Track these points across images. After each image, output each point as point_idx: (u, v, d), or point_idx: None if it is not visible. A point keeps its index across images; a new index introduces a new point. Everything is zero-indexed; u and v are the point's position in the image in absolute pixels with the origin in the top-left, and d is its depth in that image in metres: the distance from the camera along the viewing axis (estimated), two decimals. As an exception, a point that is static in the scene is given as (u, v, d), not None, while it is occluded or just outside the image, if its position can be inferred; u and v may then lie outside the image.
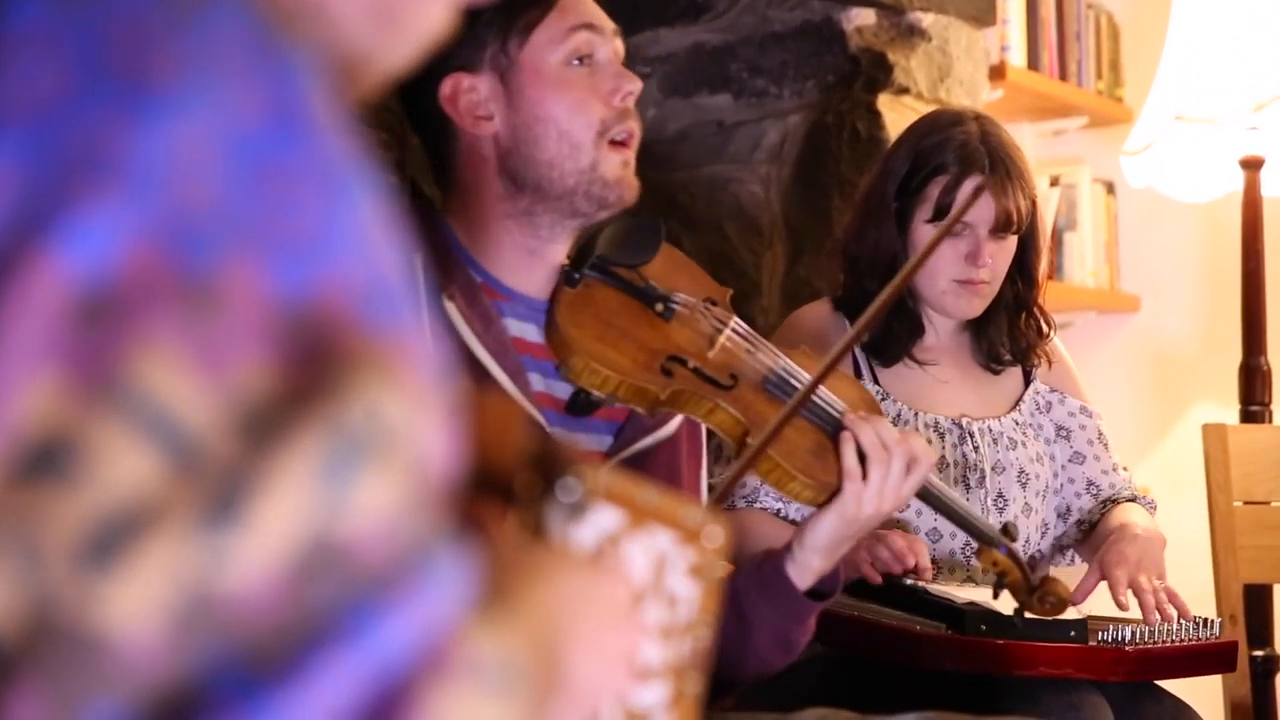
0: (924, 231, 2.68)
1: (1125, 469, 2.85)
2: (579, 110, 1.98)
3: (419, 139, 2.12)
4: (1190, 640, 2.46)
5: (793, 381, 2.02)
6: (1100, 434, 2.83)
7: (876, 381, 2.71)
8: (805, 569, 2.03)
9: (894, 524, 2.63)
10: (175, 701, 0.66)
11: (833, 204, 3.47)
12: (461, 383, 1.12)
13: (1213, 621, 2.50)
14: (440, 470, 0.76)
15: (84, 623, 0.65)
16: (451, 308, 1.92)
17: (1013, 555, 2.26)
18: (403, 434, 0.71)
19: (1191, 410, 4.02)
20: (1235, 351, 3.66)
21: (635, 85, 2.01)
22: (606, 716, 1.17)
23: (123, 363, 0.66)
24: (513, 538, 1.04)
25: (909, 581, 2.52)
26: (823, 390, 2.01)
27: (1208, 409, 3.92)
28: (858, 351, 2.72)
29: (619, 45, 2.04)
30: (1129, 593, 2.46)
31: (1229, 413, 3.69)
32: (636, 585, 1.14)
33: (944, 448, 2.69)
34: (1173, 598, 2.48)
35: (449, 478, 0.78)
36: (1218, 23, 3.64)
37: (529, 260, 2.03)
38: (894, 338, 2.73)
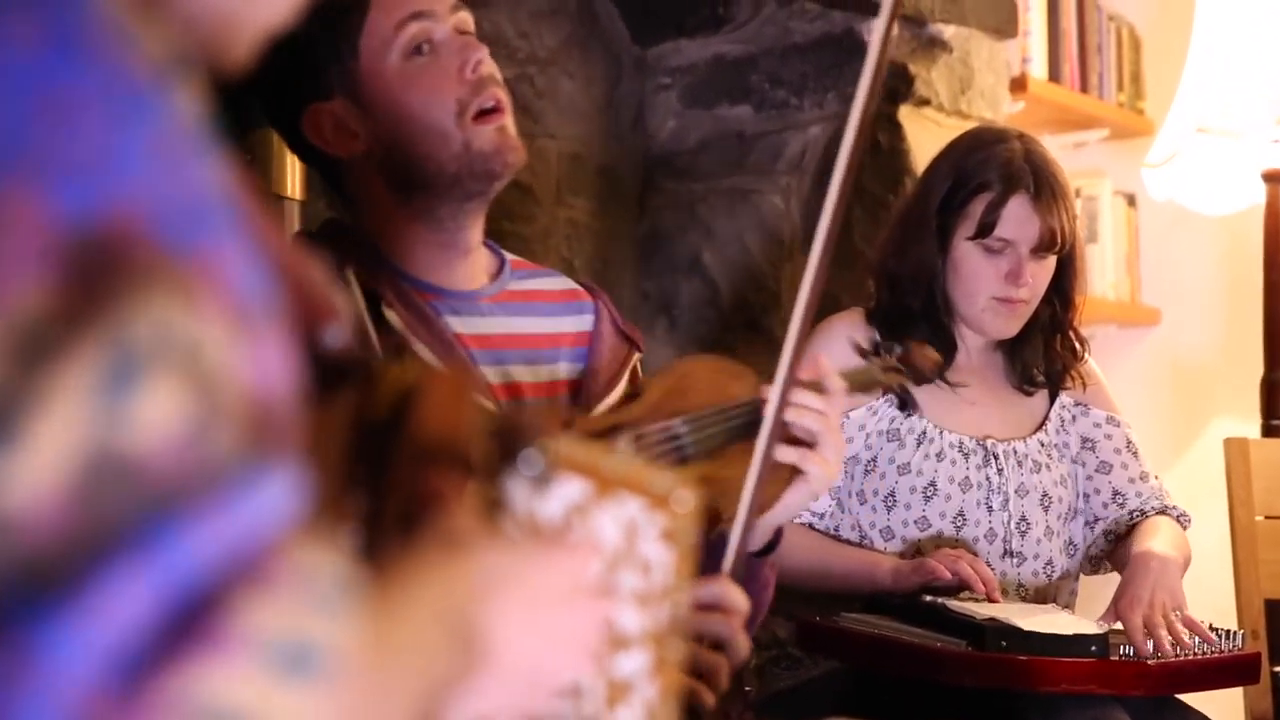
0: (965, 249, 2.68)
1: (1156, 477, 2.84)
2: (431, 99, 1.96)
3: (310, 167, 2.13)
4: (1212, 653, 2.46)
5: (683, 438, 1.94)
6: (1129, 442, 2.82)
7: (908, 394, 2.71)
8: (759, 537, 2.02)
9: (954, 544, 2.64)
10: None
11: (853, 215, 3.46)
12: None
13: (1235, 634, 2.50)
14: (263, 390, 0.76)
15: None
16: (392, 315, 1.93)
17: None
18: (197, 349, 0.71)
19: (1212, 424, 4.01)
20: (1257, 365, 3.65)
21: (481, 53, 1.98)
22: (588, 688, 1.18)
23: None
24: (465, 512, 1.04)
25: (928, 599, 2.52)
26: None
27: (1228, 423, 3.91)
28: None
29: (462, 16, 2.01)
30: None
31: (1250, 426, 3.68)
32: (607, 553, 1.15)
33: (968, 469, 2.68)
34: (1192, 627, 2.46)
35: (278, 399, 0.78)
36: (1240, 35, 3.63)
37: (446, 255, 2.03)
38: (926, 357, 2.72)
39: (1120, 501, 2.78)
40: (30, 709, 0.64)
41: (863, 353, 2.28)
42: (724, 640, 1.82)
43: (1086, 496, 2.80)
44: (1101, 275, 4.16)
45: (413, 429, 1.07)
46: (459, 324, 1.99)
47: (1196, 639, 2.44)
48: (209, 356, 0.72)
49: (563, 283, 2.18)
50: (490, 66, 1.99)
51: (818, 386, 1.93)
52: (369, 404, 1.08)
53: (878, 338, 2.72)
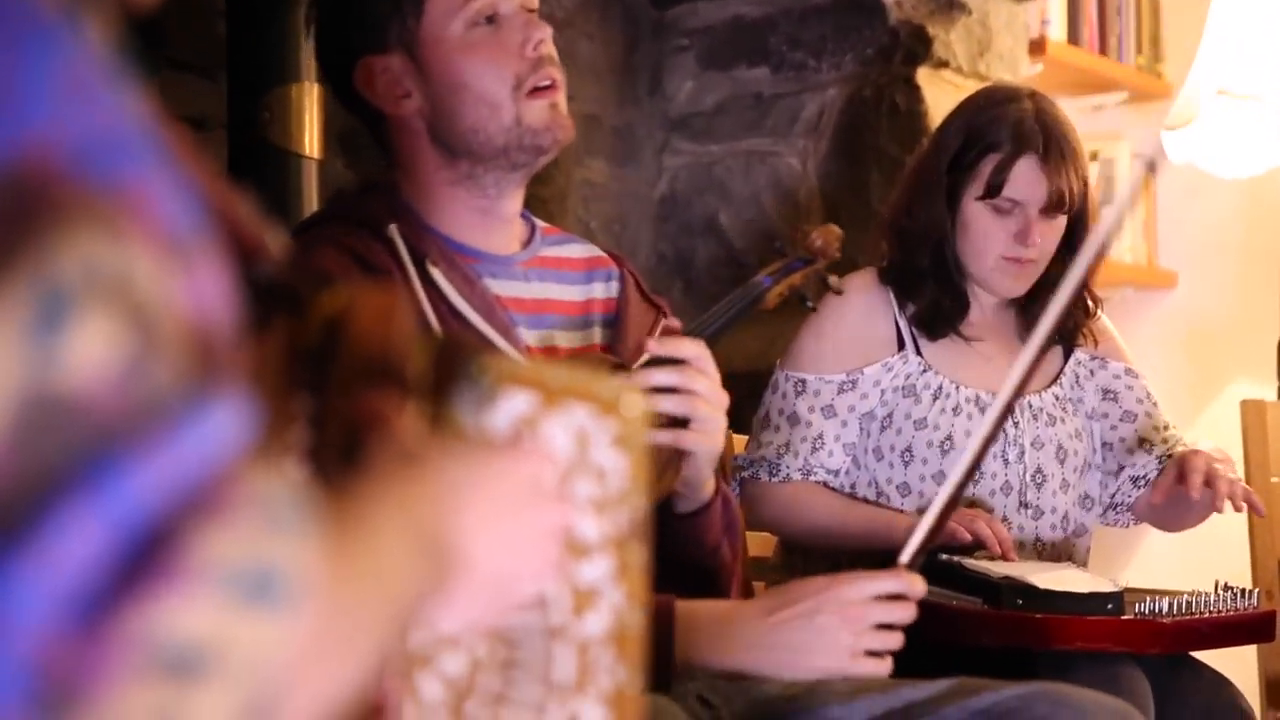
0: (974, 208, 2.68)
1: (1175, 428, 2.86)
2: (490, 70, 1.97)
3: (355, 116, 2.12)
4: (1228, 611, 2.47)
5: None
6: (1148, 394, 2.84)
7: (920, 354, 2.72)
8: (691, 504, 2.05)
9: (970, 503, 2.65)
10: None
11: (870, 177, 3.47)
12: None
13: (1250, 593, 2.51)
14: (199, 320, 0.75)
15: None
16: (437, 273, 1.94)
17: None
18: (126, 283, 0.70)
19: (1228, 387, 4.01)
20: (1273, 328, 3.65)
21: (544, 33, 1.99)
22: (554, 598, 1.18)
23: None
24: (410, 428, 1.03)
25: (944, 557, 2.53)
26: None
27: (1245, 385, 3.91)
28: (904, 325, 2.73)
29: None
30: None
31: (1266, 389, 3.68)
32: (560, 462, 1.14)
33: (981, 420, 2.69)
34: (1247, 495, 2.53)
35: (216, 328, 0.77)
36: (1260, -3, 3.62)
37: (484, 220, 2.04)
38: (941, 313, 2.73)
39: (1148, 448, 2.80)
40: None
41: (776, 254, 2.28)
42: None
43: (1110, 446, 2.81)
44: (1118, 238, 4.16)
45: (345, 351, 1.06)
46: (497, 287, 2.01)
47: (1219, 594, 2.45)
48: (140, 289, 0.71)
49: (590, 249, 2.20)
50: (550, 48, 2.00)
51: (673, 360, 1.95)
52: (301, 332, 1.08)
53: (893, 296, 2.73)
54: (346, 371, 1.06)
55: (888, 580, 1.93)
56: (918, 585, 1.92)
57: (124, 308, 0.69)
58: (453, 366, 1.12)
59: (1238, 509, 2.49)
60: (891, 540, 2.59)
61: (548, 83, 1.99)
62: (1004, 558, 2.53)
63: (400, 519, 0.91)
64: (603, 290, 2.14)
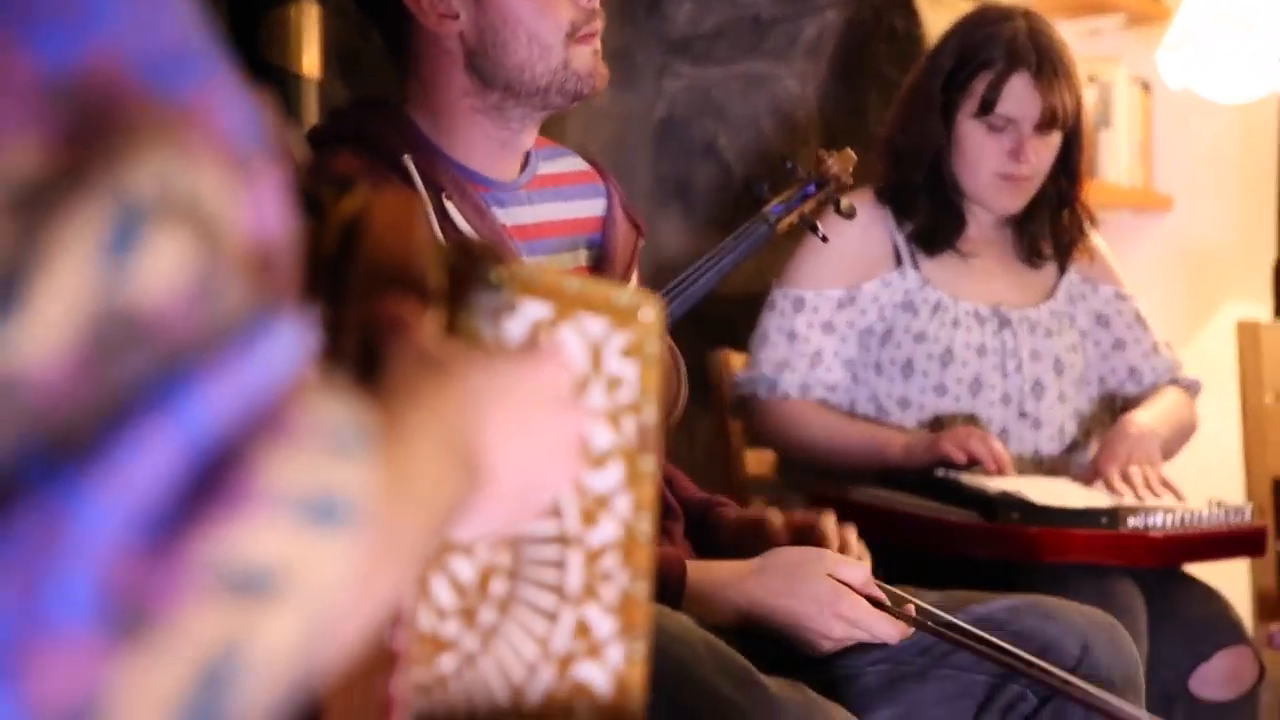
0: (968, 126, 2.70)
1: (1167, 345, 2.89)
2: (547, 13, 1.96)
3: (373, 24, 2.09)
4: (1220, 526, 2.50)
5: None
6: (1138, 316, 2.87)
7: (918, 270, 2.74)
8: None
9: (968, 420, 2.68)
10: None
11: (869, 100, 3.48)
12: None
13: (1242, 509, 2.54)
14: (259, 241, 0.75)
15: None
16: (450, 207, 1.94)
17: None
18: (197, 200, 0.70)
19: (1223, 308, 4.03)
20: (1268, 251, 3.66)
21: None
22: (566, 504, 1.20)
23: None
24: (429, 335, 1.02)
25: (940, 473, 2.56)
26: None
27: (1239, 307, 3.93)
28: (902, 242, 2.75)
29: None
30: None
31: (1261, 310, 3.71)
32: (574, 374, 1.14)
33: (983, 335, 2.72)
34: (1165, 482, 2.59)
35: (277, 245, 0.77)
36: (1257, -80, 3.62)
37: (501, 151, 2.03)
38: (938, 229, 2.75)
39: (1137, 379, 2.83)
40: (63, 577, 0.64)
41: (787, 175, 2.29)
42: None
43: (1101, 374, 2.84)
44: (1115, 161, 4.17)
45: (363, 255, 1.06)
46: (503, 215, 2.01)
47: (1212, 509, 2.49)
48: (209, 206, 0.70)
49: (578, 164, 2.20)
50: None
51: None
52: (319, 238, 1.07)
53: (891, 218, 2.75)
54: (363, 276, 1.05)
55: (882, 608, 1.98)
56: (895, 632, 1.96)
57: (194, 226, 0.69)
58: (469, 273, 1.12)
59: (1157, 495, 2.56)
60: (886, 458, 2.62)
61: (593, 31, 1.99)
62: (1000, 474, 2.56)
63: (434, 429, 0.90)
64: (591, 208, 2.14)
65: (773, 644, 1.96)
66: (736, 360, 2.89)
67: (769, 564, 1.99)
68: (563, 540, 1.21)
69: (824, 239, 2.36)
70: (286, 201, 0.78)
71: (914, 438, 2.66)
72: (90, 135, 0.68)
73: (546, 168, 2.12)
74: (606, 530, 1.21)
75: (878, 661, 2.00)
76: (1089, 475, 2.64)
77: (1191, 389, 2.87)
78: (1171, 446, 2.76)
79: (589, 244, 2.11)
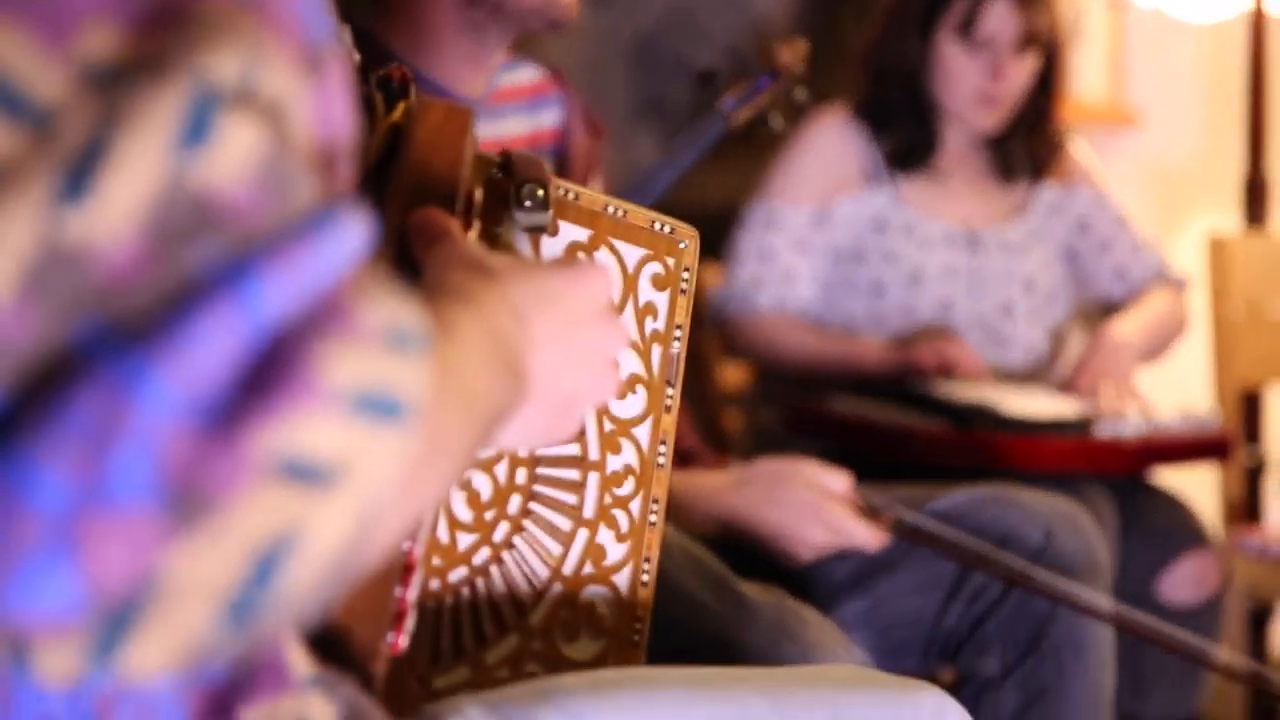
0: (947, 44, 2.71)
1: (1149, 247, 2.92)
2: None
3: None
4: (1188, 432, 2.55)
5: None
6: (1120, 216, 2.90)
7: (893, 188, 2.76)
8: None
9: (941, 332, 2.71)
10: (51, 374, 0.66)
11: (847, 17, 3.49)
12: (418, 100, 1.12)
13: (1209, 417, 2.59)
14: (324, 136, 0.76)
15: None
16: None
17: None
18: (270, 92, 0.71)
19: (1191, 222, 4.07)
20: (1234, 164, 3.70)
21: None
22: (590, 429, 1.21)
23: None
24: (471, 244, 1.02)
25: (914, 383, 2.59)
26: None
27: (1208, 221, 3.96)
28: (877, 160, 2.77)
29: None
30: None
31: (1227, 221, 3.75)
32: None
33: (954, 255, 2.74)
34: (1134, 394, 2.65)
35: (341, 143, 0.79)
36: None
37: (471, 66, 2.02)
38: (914, 147, 2.77)
39: (1126, 278, 2.86)
40: (124, 454, 0.65)
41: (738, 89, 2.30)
42: None
43: (1092, 277, 2.87)
44: (1085, 77, 4.19)
45: (409, 162, 1.06)
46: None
47: (1180, 417, 2.55)
48: (281, 99, 0.71)
49: (535, 74, 2.20)
50: None
51: None
52: (366, 141, 1.08)
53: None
54: (407, 183, 1.06)
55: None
56: (875, 540, 1.99)
57: (266, 117, 0.70)
58: (509, 190, 1.12)
59: (1126, 409, 2.60)
60: (861, 368, 2.66)
61: None
62: (975, 379, 2.60)
63: (484, 333, 0.91)
64: (551, 119, 2.13)
65: (752, 553, 1.99)
66: (713, 275, 2.92)
67: (750, 475, 2.01)
68: (582, 463, 1.22)
69: (776, 132, 2.36)
70: (350, 100, 0.79)
71: (888, 347, 2.69)
72: (169, 23, 0.69)
73: (505, 80, 2.12)
74: (625, 457, 1.22)
75: (849, 555, 2.04)
76: (1063, 386, 2.68)
77: (1180, 285, 2.90)
78: (1156, 348, 2.80)
79: (551, 154, 2.11)
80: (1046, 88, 2.80)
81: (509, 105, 2.09)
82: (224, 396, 0.67)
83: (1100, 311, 2.90)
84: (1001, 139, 2.81)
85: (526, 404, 0.96)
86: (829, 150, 2.75)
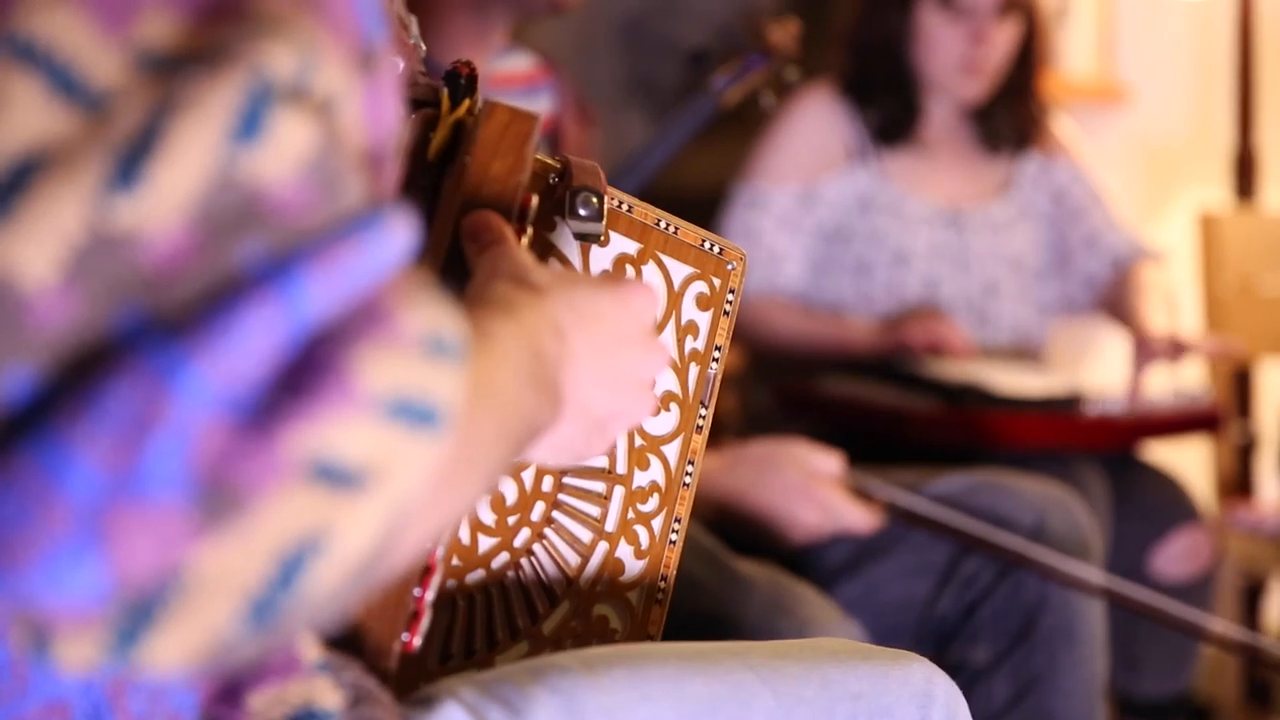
0: (928, 13, 2.71)
1: (1125, 226, 2.91)
2: None
3: None
4: (1178, 408, 2.55)
5: None
6: (1095, 190, 2.89)
7: (878, 165, 2.76)
8: None
9: (929, 311, 2.71)
10: (89, 361, 0.65)
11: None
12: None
13: (1201, 394, 2.59)
14: (374, 136, 0.76)
15: None
16: None
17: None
18: (322, 90, 0.70)
19: (1182, 198, 4.07)
20: (1223, 138, 3.70)
21: None
22: (620, 444, 1.20)
23: (22, 17, 0.66)
24: (524, 253, 1.02)
25: (903, 362, 2.59)
26: None
27: (1198, 196, 3.96)
28: (861, 137, 2.77)
29: None
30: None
31: (1215, 196, 3.75)
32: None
33: (939, 234, 2.74)
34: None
35: (388, 143, 0.78)
36: None
37: (475, 44, 2.04)
38: (898, 121, 2.77)
39: (1098, 251, 2.85)
40: (158, 448, 0.64)
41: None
42: None
43: (1061, 249, 2.87)
44: (1075, 54, 4.18)
45: (471, 163, 1.05)
46: None
47: (1170, 394, 2.55)
48: (333, 99, 0.71)
49: (530, 60, 2.20)
50: None
51: None
52: (426, 136, 1.08)
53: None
54: (467, 184, 1.05)
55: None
56: (866, 520, 2.00)
57: (318, 114, 0.70)
58: (563, 197, 1.12)
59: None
60: (850, 348, 2.66)
61: None
62: (963, 357, 2.60)
63: (523, 348, 0.90)
64: (543, 107, 2.14)
65: (746, 537, 1.99)
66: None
67: (741, 457, 2.02)
68: (609, 476, 1.21)
69: (767, 110, 2.36)
70: (399, 98, 0.79)
71: (877, 327, 2.69)
72: (227, 16, 0.69)
73: (501, 66, 2.13)
74: (652, 473, 1.22)
75: (842, 539, 2.05)
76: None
77: (1160, 259, 2.89)
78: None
79: (543, 143, 2.11)
80: (1028, 56, 2.80)
81: (504, 91, 2.09)
82: (260, 394, 0.66)
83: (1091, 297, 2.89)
84: (985, 109, 2.81)
85: (561, 421, 0.95)
86: (813, 128, 2.75)
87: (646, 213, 1.19)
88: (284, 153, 0.68)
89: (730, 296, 1.21)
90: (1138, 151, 4.17)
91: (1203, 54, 4.16)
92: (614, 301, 1.01)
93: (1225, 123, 3.72)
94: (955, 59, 2.71)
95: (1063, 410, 2.48)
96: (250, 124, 0.67)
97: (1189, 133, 4.16)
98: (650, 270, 1.19)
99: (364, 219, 0.70)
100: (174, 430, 0.64)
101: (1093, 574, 2.03)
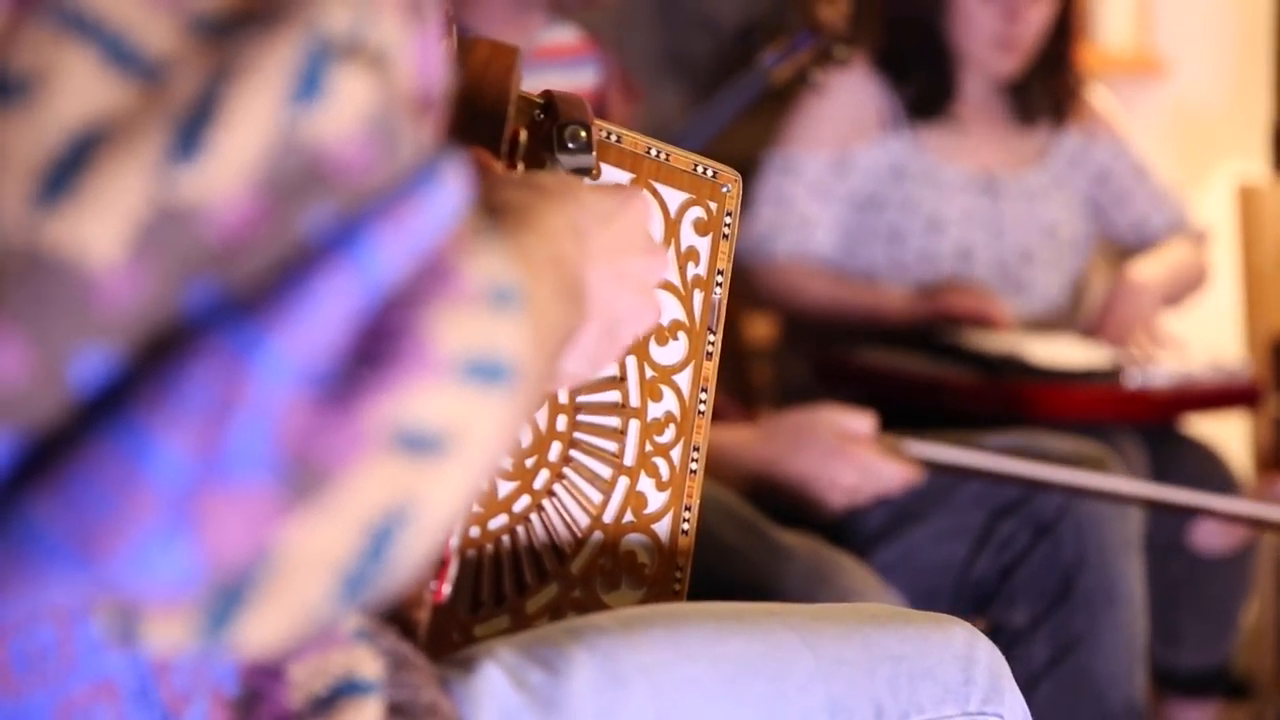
0: (963, -15, 2.70)
1: (1170, 195, 2.90)
2: None
3: None
4: (1218, 381, 2.54)
5: None
6: (1139, 165, 2.88)
7: (911, 135, 2.75)
8: None
9: (966, 282, 2.70)
10: (164, 341, 0.64)
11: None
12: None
13: (1239, 368, 2.59)
14: (422, 84, 0.75)
15: (53, 251, 0.62)
16: None
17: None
18: (374, 44, 0.69)
19: (1220, 170, 4.05)
20: (1262, 109, 3.68)
21: None
22: (631, 376, 1.21)
23: None
24: (507, 176, 1.01)
25: (942, 332, 2.59)
26: None
27: (1237, 168, 3.94)
28: (895, 108, 2.76)
29: None
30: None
31: (1254, 167, 3.73)
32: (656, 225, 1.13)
33: (973, 201, 2.74)
34: (1162, 337, 2.65)
35: (436, 91, 0.77)
36: None
37: (512, 27, 2.04)
38: (933, 94, 2.76)
39: (1147, 229, 2.86)
40: (243, 429, 0.63)
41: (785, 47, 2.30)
42: None
43: (1110, 232, 2.86)
44: (1113, 26, 4.16)
45: (453, 102, 1.02)
46: None
47: (1210, 367, 2.54)
48: (387, 49, 0.69)
49: (575, 33, 2.20)
50: None
51: None
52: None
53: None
54: (451, 119, 1.02)
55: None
56: (902, 476, 1.99)
57: (374, 68, 0.68)
58: (551, 131, 1.12)
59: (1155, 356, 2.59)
60: (887, 318, 2.65)
61: None
62: (1001, 329, 2.59)
63: (550, 263, 0.89)
64: (587, 79, 2.14)
65: (784, 508, 1.99)
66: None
67: (774, 427, 2.02)
68: (623, 410, 1.22)
69: (817, 89, 2.35)
70: (444, 46, 0.78)
71: (911, 296, 2.68)
72: None
73: (545, 38, 2.13)
74: (666, 404, 1.22)
75: (880, 504, 2.04)
76: (1088, 331, 2.67)
77: (1200, 237, 2.89)
78: (1175, 295, 2.79)
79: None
80: (1064, 31, 2.78)
81: (548, 63, 2.09)
82: (339, 366, 0.65)
83: (1120, 256, 2.89)
84: (1020, 84, 2.80)
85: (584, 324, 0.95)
86: (847, 98, 2.74)
87: (636, 141, 1.19)
88: (345, 111, 0.67)
89: (728, 219, 1.21)
90: (1176, 124, 4.15)
91: (1242, 25, 4.14)
92: (620, 204, 1.02)
93: (1264, 94, 3.69)
94: (990, 35, 2.70)
95: (1103, 382, 2.47)
96: (310, 84, 0.66)
97: (1228, 104, 4.14)
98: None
99: (422, 173, 0.69)
100: (256, 410, 0.63)
101: (1141, 487, 2.02)
